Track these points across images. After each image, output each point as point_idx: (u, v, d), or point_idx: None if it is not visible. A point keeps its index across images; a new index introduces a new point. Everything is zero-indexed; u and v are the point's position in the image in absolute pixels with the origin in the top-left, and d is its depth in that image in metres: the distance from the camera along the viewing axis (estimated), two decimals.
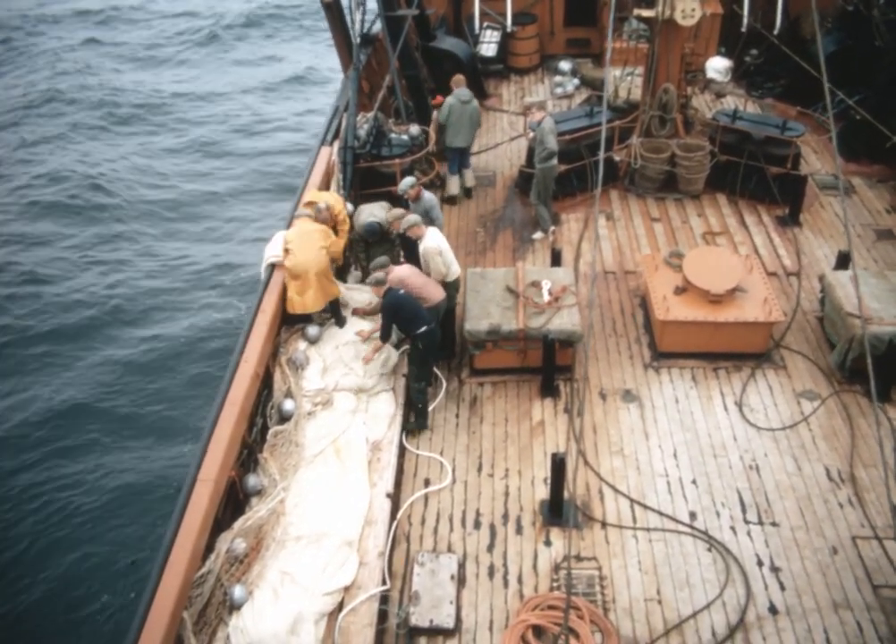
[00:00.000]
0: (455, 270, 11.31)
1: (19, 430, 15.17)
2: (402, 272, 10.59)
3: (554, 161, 13.49)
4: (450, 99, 14.81)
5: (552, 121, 13.53)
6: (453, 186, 15.39)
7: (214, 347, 16.98)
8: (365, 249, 12.59)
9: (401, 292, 10.20)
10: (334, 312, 11.34)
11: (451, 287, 11.25)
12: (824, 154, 16.60)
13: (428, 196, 12.26)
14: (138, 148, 26.56)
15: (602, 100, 16.89)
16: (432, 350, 10.50)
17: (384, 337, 10.49)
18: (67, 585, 12.29)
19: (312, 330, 11.04)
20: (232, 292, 18.96)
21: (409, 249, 11.90)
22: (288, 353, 10.79)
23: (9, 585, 12.36)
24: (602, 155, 7.87)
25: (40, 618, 11.86)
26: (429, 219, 11.87)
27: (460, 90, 14.82)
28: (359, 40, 15.61)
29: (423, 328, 10.09)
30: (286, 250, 10.96)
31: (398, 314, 10.23)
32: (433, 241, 10.92)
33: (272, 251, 11.30)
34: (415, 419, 10.63)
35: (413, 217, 11.03)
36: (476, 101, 14.98)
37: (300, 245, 10.87)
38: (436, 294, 10.74)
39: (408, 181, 12.16)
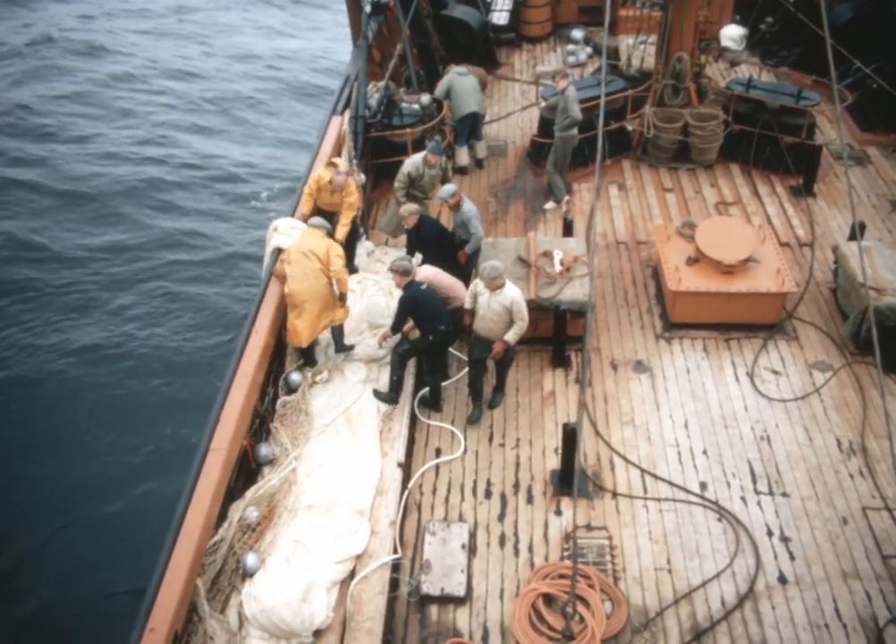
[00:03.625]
0: None
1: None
2: (428, 272, 10.25)
3: (575, 130, 13.37)
4: (448, 76, 14.95)
5: (575, 89, 13.36)
6: (463, 157, 15.30)
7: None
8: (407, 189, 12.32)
9: (424, 286, 9.90)
10: (336, 339, 10.78)
11: None
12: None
13: (467, 207, 11.24)
14: None
15: (615, 69, 16.87)
16: (443, 347, 10.31)
17: (395, 328, 10.28)
18: (81, 551, 12.40)
19: None
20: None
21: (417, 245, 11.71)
22: None
23: (18, 546, 12.55)
24: (601, 128, 7.69)
25: (52, 585, 11.98)
26: (465, 232, 11.31)
27: (457, 67, 15.03)
28: (369, 9, 15.49)
29: (441, 327, 9.86)
30: (284, 263, 10.26)
31: (416, 311, 10.01)
32: (516, 289, 9.65)
33: (276, 239, 11.13)
34: (430, 397, 10.50)
35: (497, 265, 9.44)
36: (472, 75, 15.10)
37: (298, 269, 10.02)
38: (463, 292, 10.46)
39: (447, 189, 11.20)
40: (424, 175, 12.05)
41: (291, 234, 11.07)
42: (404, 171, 12.12)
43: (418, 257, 11.45)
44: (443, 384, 10.72)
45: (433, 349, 10.17)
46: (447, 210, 12.23)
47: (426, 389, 10.55)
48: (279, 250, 10.97)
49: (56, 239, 19.63)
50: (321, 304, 10.08)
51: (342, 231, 11.50)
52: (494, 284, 9.39)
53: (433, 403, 10.52)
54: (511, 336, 9.63)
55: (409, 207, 11.18)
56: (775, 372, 10.79)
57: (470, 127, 15.09)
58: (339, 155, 13.03)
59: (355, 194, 11.67)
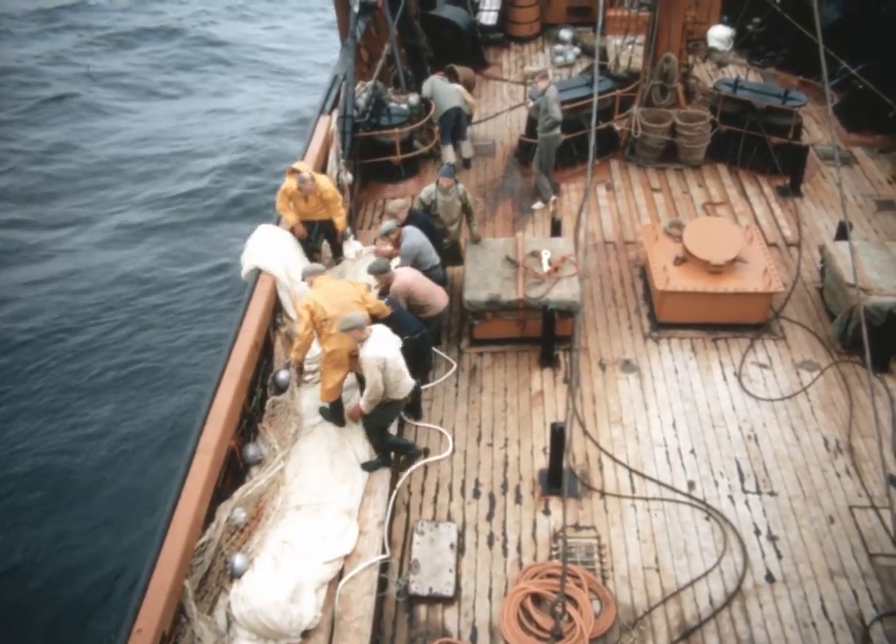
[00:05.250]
0: (406, 383, 9.02)
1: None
2: (407, 277, 10.09)
3: (558, 130, 13.42)
4: (430, 78, 15.18)
5: (556, 89, 13.44)
6: (449, 155, 15.22)
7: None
8: None
9: (385, 300, 9.68)
10: (336, 412, 9.93)
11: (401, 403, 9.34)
12: (825, 124, 16.50)
13: (406, 244, 10.70)
14: None
15: (603, 69, 16.89)
16: (415, 354, 9.66)
17: None
18: (68, 553, 12.35)
19: None
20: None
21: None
22: (286, 326, 10.77)
23: (7, 547, 12.47)
24: (594, 128, 7.75)
25: (39, 586, 11.93)
26: (416, 264, 10.79)
27: (438, 75, 15.34)
28: (357, 8, 15.48)
29: (406, 337, 9.42)
30: (319, 319, 9.21)
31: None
32: (374, 352, 8.53)
33: (259, 255, 10.96)
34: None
35: (351, 318, 8.56)
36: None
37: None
38: (442, 301, 10.48)
39: (383, 227, 10.85)
40: (437, 202, 11.62)
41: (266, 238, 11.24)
42: (419, 197, 11.86)
43: (395, 261, 11.39)
44: (429, 386, 10.71)
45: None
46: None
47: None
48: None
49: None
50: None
51: (340, 220, 11.75)
52: (351, 337, 8.67)
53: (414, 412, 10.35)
54: (362, 402, 8.88)
55: (398, 203, 11.17)
56: (762, 372, 10.82)
57: (455, 127, 15.08)
58: (326, 157, 13.03)
59: (331, 188, 11.58)
